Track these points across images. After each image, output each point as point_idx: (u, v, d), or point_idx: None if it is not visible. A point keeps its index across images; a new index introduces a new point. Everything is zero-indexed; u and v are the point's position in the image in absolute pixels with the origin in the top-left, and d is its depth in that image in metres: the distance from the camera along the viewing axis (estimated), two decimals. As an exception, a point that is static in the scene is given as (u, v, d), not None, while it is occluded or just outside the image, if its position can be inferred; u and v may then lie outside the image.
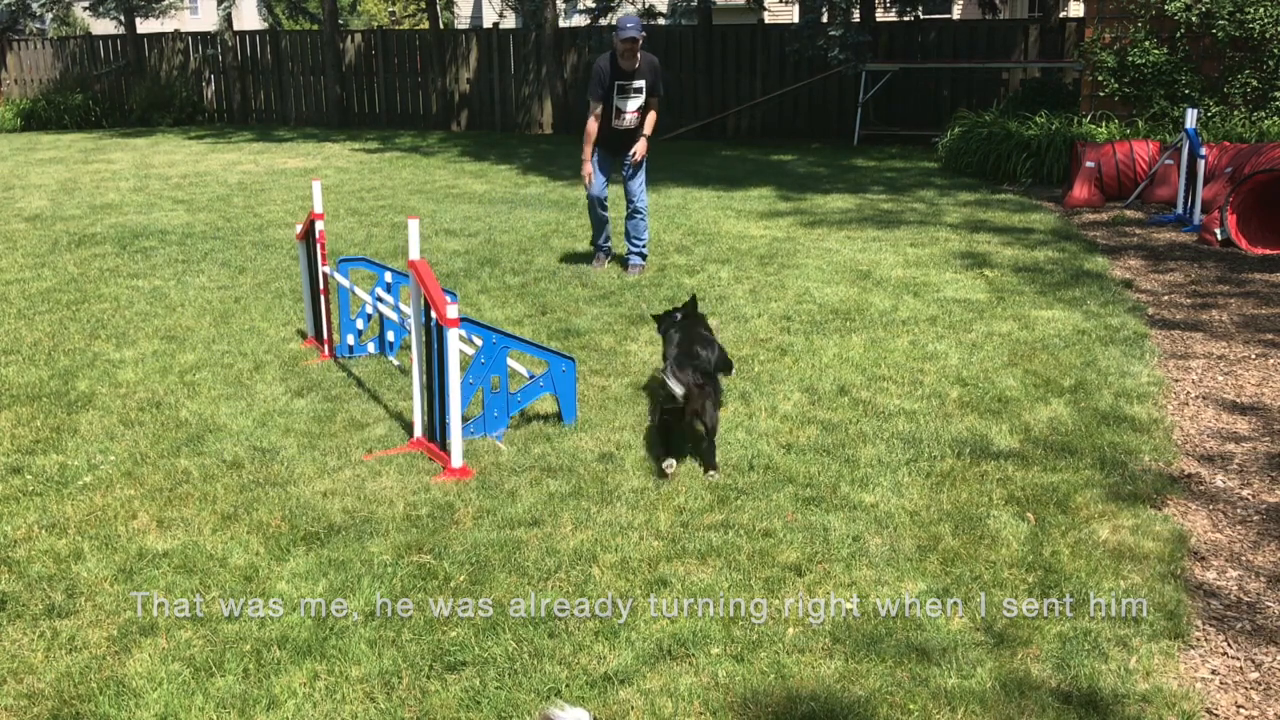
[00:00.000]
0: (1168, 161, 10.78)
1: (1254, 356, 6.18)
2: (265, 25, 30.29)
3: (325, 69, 21.95)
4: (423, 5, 31.35)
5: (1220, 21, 12.14)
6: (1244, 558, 3.92)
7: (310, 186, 6.79)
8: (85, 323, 7.11)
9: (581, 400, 5.37)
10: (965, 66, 17.34)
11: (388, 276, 6.10)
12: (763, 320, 6.93)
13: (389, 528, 4.15)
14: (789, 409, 5.37)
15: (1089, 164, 11.17)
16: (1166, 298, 7.49)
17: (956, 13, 28.25)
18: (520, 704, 3.08)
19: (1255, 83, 12.17)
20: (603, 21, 19.12)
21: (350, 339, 6.33)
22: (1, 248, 9.58)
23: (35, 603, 3.66)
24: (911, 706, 3.07)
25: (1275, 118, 11.80)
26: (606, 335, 6.66)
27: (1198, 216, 9.77)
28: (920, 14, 19.22)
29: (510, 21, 26.89)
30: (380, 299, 5.96)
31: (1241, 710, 3.08)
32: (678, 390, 4.55)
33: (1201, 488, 4.50)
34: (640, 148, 8.15)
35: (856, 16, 17.69)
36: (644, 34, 7.90)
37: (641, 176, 8.28)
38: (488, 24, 29.76)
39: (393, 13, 40.24)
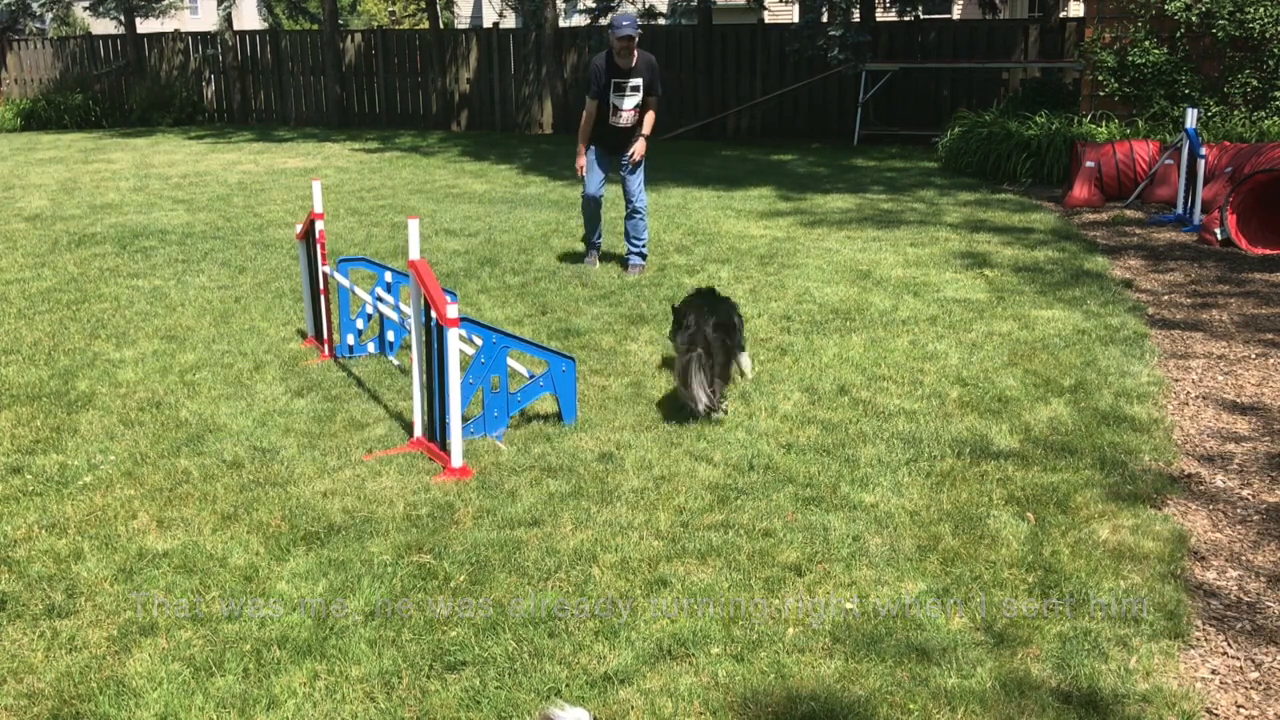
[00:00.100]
0: (1168, 161, 10.78)
1: (1254, 356, 6.18)
2: (265, 25, 30.28)
3: (325, 69, 21.95)
4: (423, 5, 31.35)
5: (1220, 21, 12.14)
6: (1244, 558, 3.92)
7: (310, 186, 6.79)
8: (85, 323, 7.11)
9: (581, 400, 5.37)
10: (965, 66, 17.34)
11: (388, 276, 6.11)
12: (763, 320, 6.93)
13: (389, 528, 4.15)
14: (789, 409, 5.37)
15: (1089, 164, 11.17)
16: (1166, 298, 7.49)
17: (956, 13, 28.25)
18: (520, 704, 3.09)
19: (1255, 83, 12.17)
20: (602, 21, 19.10)
21: (350, 339, 6.33)
22: (1, 248, 9.58)
23: (35, 603, 3.66)
24: (911, 706, 3.07)
25: (1275, 118, 11.80)
26: (606, 335, 6.67)
27: (1198, 216, 9.77)
28: (920, 14, 19.22)
29: (510, 21, 26.89)
30: (380, 299, 5.96)
31: (1241, 710, 3.08)
32: (700, 403, 5.04)
33: (1201, 488, 4.50)
34: (639, 147, 8.16)
35: (856, 16, 17.69)
36: (640, 32, 7.91)
37: (640, 176, 8.28)
38: (488, 24, 29.76)
39: (393, 13, 40.25)
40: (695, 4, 18.22)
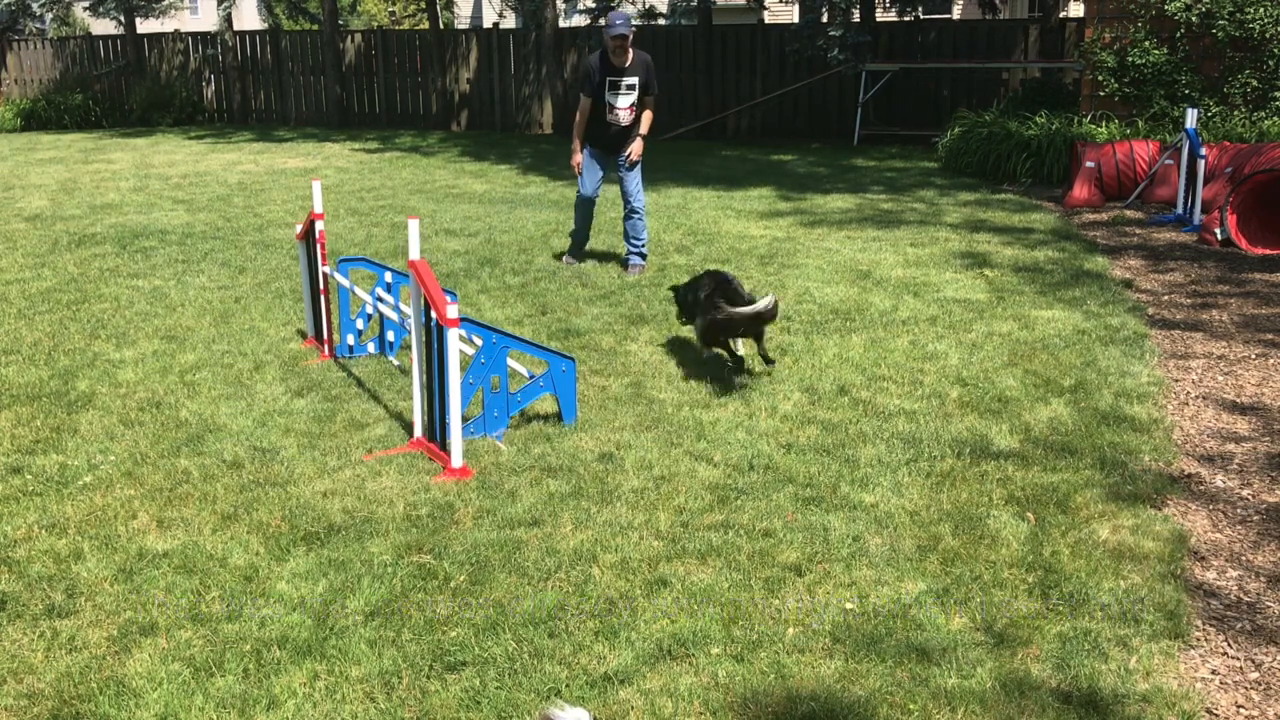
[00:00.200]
0: (1168, 161, 10.78)
1: (1254, 356, 6.18)
2: (265, 25, 30.29)
3: (325, 69, 21.95)
4: (423, 5, 31.35)
5: (1220, 21, 12.14)
6: (1244, 558, 3.92)
7: (310, 186, 6.79)
8: (85, 323, 7.11)
9: (581, 400, 5.37)
10: (965, 66, 17.34)
11: (388, 276, 6.11)
12: (763, 320, 6.93)
13: (389, 528, 4.15)
14: (789, 409, 5.37)
15: (1089, 164, 11.17)
16: (1166, 298, 7.49)
17: (956, 13, 28.25)
18: (520, 704, 3.09)
19: (1255, 83, 12.18)
20: (602, 21, 19.10)
21: (350, 339, 6.34)
22: (1, 248, 9.58)
23: (35, 603, 3.66)
24: (911, 706, 3.07)
25: (1275, 118, 11.80)
26: (606, 335, 6.67)
27: (1198, 216, 9.77)
28: (920, 14, 19.22)
29: (510, 21, 26.89)
30: (380, 299, 5.96)
31: (1241, 710, 3.08)
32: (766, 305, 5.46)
33: (1201, 488, 4.50)
34: (636, 147, 8.18)
35: (856, 16, 17.69)
36: (633, 30, 7.94)
37: (638, 176, 8.28)
38: (488, 24, 29.77)
39: (393, 13, 40.25)
40: (695, 4, 18.22)
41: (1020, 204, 11.29)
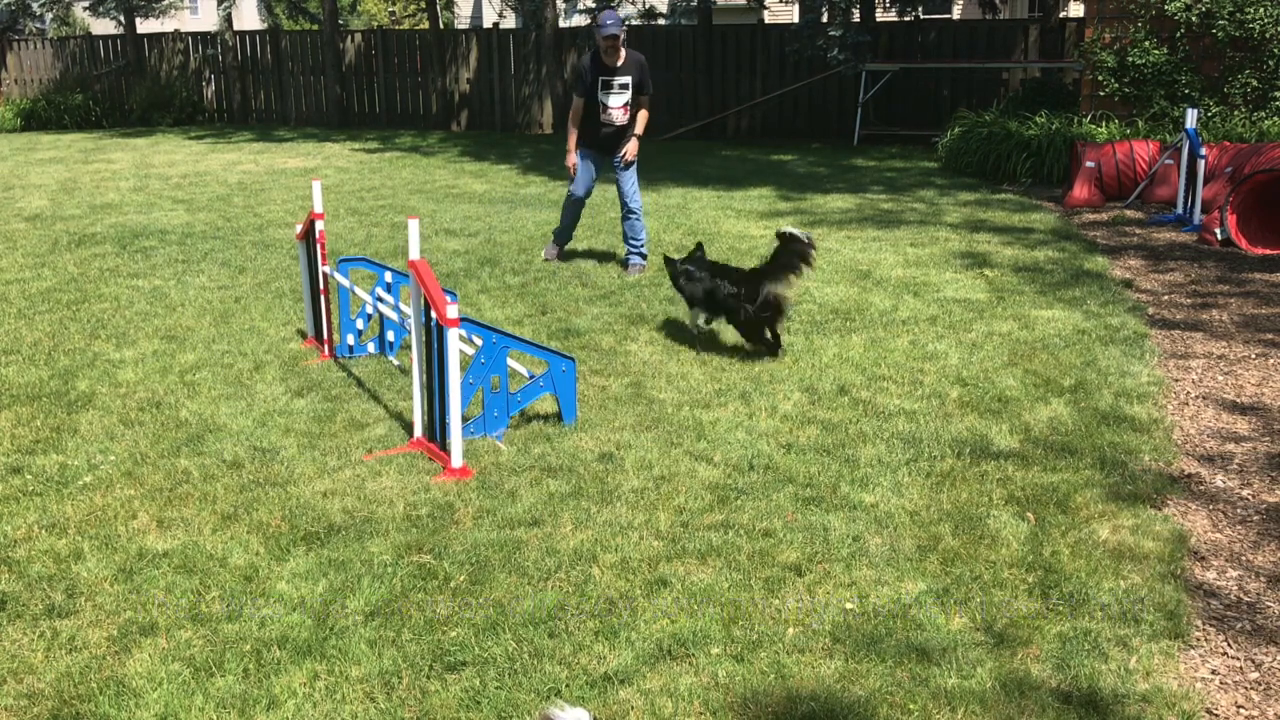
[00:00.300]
0: (1168, 161, 10.78)
1: (1254, 356, 6.18)
2: (265, 25, 30.29)
3: (325, 69, 21.96)
4: (423, 5, 31.35)
5: (1220, 21, 12.14)
6: (1244, 558, 3.92)
7: (310, 186, 6.79)
8: (85, 323, 7.11)
9: (581, 400, 5.37)
10: (965, 66, 17.34)
11: (388, 276, 6.11)
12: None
13: (389, 528, 4.15)
14: (789, 409, 5.37)
15: (1089, 164, 11.17)
16: (1166, 298, 7.49)
17: (956, 13, 28.26)
18: (520, 704, 3.09)
19: (1255, 83, 12.18)
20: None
21: (350, 339, 6.34)
22: (1, 248, 9.59)
23: (35, 603, 3.66)
24: (911, 706, 3.07)
25: (1275, 118, 11.80)
26: (606, 335, 6.67)
27: (1198, 216, 9.77)
28: (920, 14, 19.22)
29: (510, 21, 26.90)
30: (380, 299, 5.96)
31: (1241, 710, 3.09)
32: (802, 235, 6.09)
33: (1201, 488, 4.50)
34: (631, 147, 8.20)
35: (856, 16, 17.69)
36: (624, 30, 7.97)
37: (633, 176, 8.30)
38: (488, 24, 29.77)
39: (393, 13, 40.25)
40: (695, 4, 18.22)
41: (1020, 204, 11.29)
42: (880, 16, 19.07)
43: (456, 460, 4.61)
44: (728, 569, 3.82)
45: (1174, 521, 4.17)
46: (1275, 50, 12.03)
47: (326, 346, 6.29)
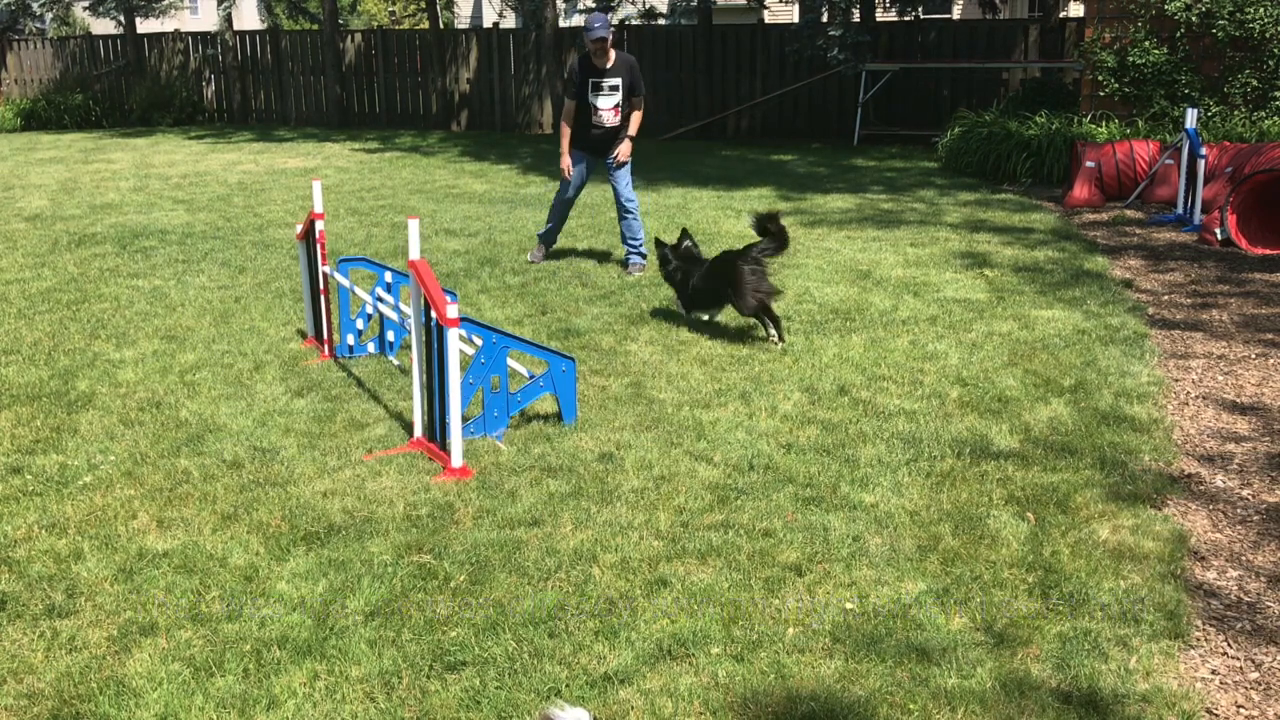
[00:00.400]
0: (1168, 161, 10.78)
1: (1254, 356, 6.18)
2: (265, 25, 30.30)
3: (325, 69, 21.96)
4: (423, 5, 31.35)
5: (1220, 21, 12.14)
6: (1244, 558, 3.92)
7: (310, 186, 6.79)
8: (85, 323, 7.11)
9: (581, 400, 5.37)
10: (965, 66, 17.34)
11: (388, 276, 6.11)
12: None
13: (389, 528, 4.15)
14: (789, 409, 5.37)
15: (1089, 164, 11.17)
16: (1166, 298, 7.49)
17: (956, 13, 28.25)
18: (520, 704, 3.09)
19: (1255, 83, 12.18)
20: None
21: (350, 339, 6.34)
22: (1, 248, 9.59)
23: (35, 603, 3.66)
24: (911, 706, 3.07)
25: (1275, 118, 11.80)
26: (606, 335, 6.67)
27: (1198, 216, 9.77)
28: (920, 14, 19.22)
29: (510, 21, 26.89)
30: (380, 299, 5.96)
31: (1241, 710, 3.09)
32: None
33: (1201, 488, 4.50)
34: (623, 149, 8.23)
35: (856, 16, 17.69)
36: (611, 33, 8.04)
37: (627, 176, 8.33)
38: (488, 24, 29.76)
39: (393, 13, 40.25)
40: (695, 4, 18.22)
41: (1020, 204, 11.29)
42: (880, 16, 19.07)
43: (456, 460, 4.61)
44: (728, 569, 3.82)
45: (1174, 521, 4.17)
46: (1275, 50, 12.03)
47: (326, 346, 6.29)
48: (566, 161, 8.35)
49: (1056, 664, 3.26)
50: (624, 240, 8.43)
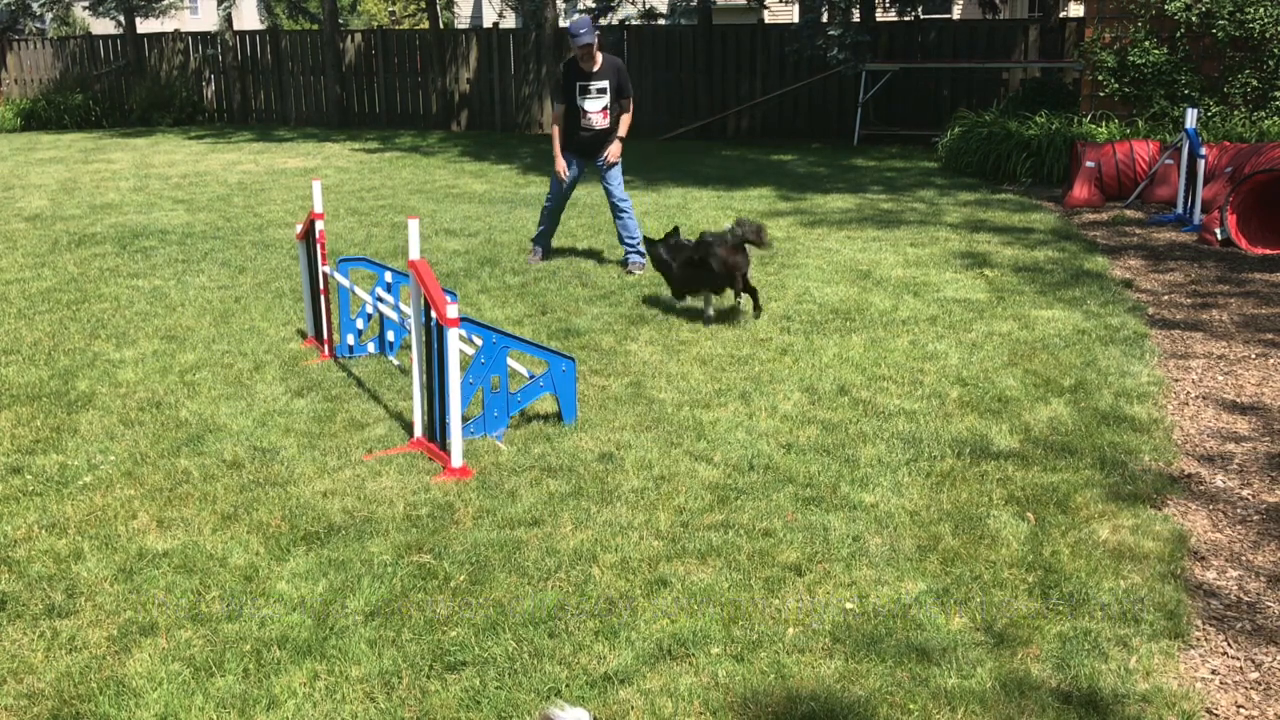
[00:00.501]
0: (1168, 161, 10.78)
1: (1254, 356, 6.18)
2: (265, 25, 30.29)
3: (325, 69, 21.96)
4: (423, 5, 31.35)
5: (1220, 21, 12.14)
6: (1244, 558, 3.92)
7: (310, 186, 6.79)
8: (85, 323, 7.11)
9: (581, 400, 5.37)
10: (965, 66, 17.34)
11: (388, 276, 6.11)
12: (763, 320, 6.93)
13: (389, 528, 4.15)
14: (789, 409, 5.37)
15: (1089, 164, 11.17)
16: (1166, 298, 7.49)
17: (956, 13, 28.25)
18: (520, 704, 3.09)
19: (1255, 83, 12.18)
20: (602, 21, 19.12)
21: (350, 339, 6.34)
22: (1, 248, 9.59)
23: (35, 603, 3.66)
24: (911, 706, 3.07)
25: (1275, 118, 11.80)
26: (606, 335, 6.67)
27: (1198, 216, 9.77)
28: (920, 14, 19.22)
29: (510, 21, 26.89)
30: (380, 299, 5.96)
31: (1241, 710, 3.09)
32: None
33: (1201, 488, 4.50)
34: (613, 149, 8.31)
35: (856, 16, 17.69)
36: (597, 37, 8.12)
37: (618, 176, 8.40)
38: (488, 24, 29.77)
39: (393, 13, 40.25)
40: (695, 4, 18.22)
41: (1020, 204, 11.29)
42: (880, 16, 19.07)
43: (456, 460, 4.61)
44: (728, 569, 3.82)
45: (1174, 521, 4.17)
46: (1275, 50, 12.03)
47: (326, 346, 6.29)
48: (561, 163, 8.40)
49: (1056, 664, 3.26)
50: (621, 240, 8.45)
